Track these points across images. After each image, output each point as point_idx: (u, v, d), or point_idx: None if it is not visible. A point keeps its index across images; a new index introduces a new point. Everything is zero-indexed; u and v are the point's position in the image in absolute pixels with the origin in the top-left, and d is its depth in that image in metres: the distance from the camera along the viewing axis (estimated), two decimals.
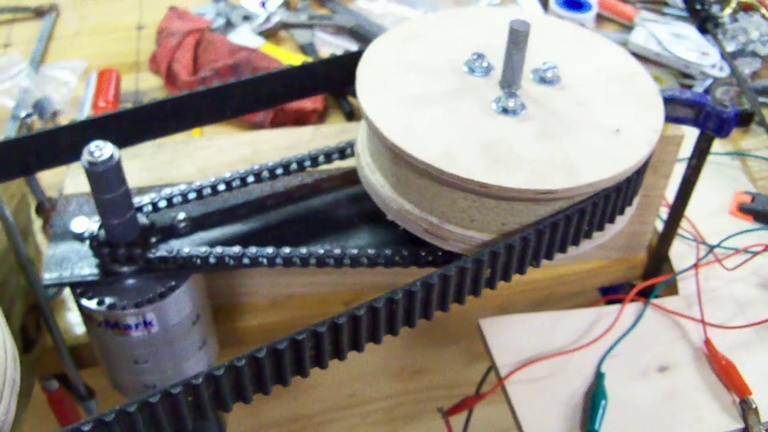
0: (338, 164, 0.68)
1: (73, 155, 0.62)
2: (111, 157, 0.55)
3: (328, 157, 0.65)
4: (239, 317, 0.76)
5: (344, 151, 0.66)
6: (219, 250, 0.60)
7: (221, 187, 0.63)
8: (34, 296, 0.69)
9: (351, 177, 0.67)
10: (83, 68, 1.02)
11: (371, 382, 1.21)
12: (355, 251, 0.60)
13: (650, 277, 0.82)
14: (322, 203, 0.66)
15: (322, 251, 0.60)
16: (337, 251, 0.60)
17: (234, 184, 0.63)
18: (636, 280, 0.86)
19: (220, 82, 0.65)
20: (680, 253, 0.82)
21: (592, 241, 0.60)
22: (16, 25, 1.13)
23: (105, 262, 0.61)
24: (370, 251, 0.60)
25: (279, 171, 0.64)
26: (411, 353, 1.21)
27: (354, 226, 0.64)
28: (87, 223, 0.63)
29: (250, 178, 0.64)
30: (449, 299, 0.55)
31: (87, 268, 0.62)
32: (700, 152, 0.72)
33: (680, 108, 0.69)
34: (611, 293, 0.87)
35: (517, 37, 0.55)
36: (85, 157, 0.55)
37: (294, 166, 0.64)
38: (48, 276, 0.61)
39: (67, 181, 0.69)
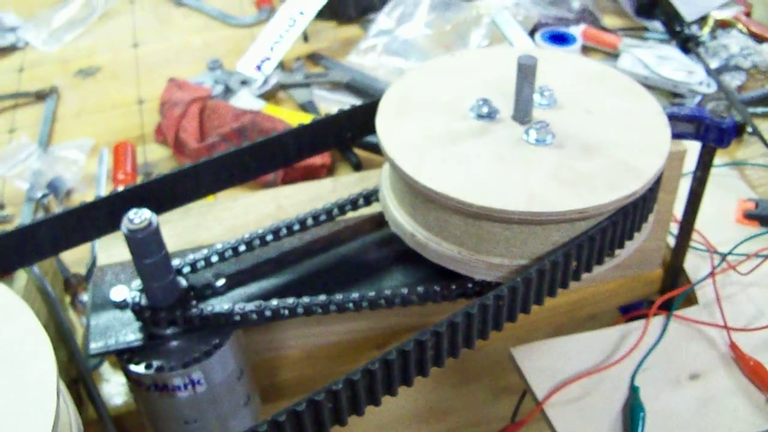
0: (361, 212, 0.71)
1: (106, 228, 0.64)
2: (150, 223, 0.57)
3: (354, 204, 0.68)
4: (276, 372, 0.77)
5: (369, 197, 0.68)
6: (258, 304, 0.62)
7: (256, 242, 0.66)
8: (74, 369, 0.70)
9: (376, 222, 0.69)
10: (90, 146, 1.05)
11: (399, 428, 1.21)
12: (388, 292, 0.62)
13: (667, 290, 0.85)
14: (351, 250, 0.68)
15: (357, 295, 0.62)
16: (372, 294, 0.62)
17: (267, 238, 0.65)
18: (654, 296, 0.88)
19: (237, 146, 0.67)
20: (694, 265, 0.84)
21: (614, 260, 0.63)
22: (18, 110, 1.16)
23: (148, 326, 0.63)
24: (403, 290, 0.62)
25: (309, 222, 0.67)
26: (435, 395, 1.22)
27: (385, 268, 0.66)
28: (126, 291, 0.65)
29: (284, 231, 0.66)
30: (489, 327, 0.57)
31: (131, 334, 0.63)
32: (704, 164, 0.74)
33: (680, 124, 0.71)
34: (631, 311, 0.89)
35: (526, 71, 0.59)
36: (125, 224, 0.57)
37: (323, 216, 0.67)
38: (94, 345, 0.63)
39: (100, 253, 0.71)
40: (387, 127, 0.61)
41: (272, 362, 0.77)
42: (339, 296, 0.63)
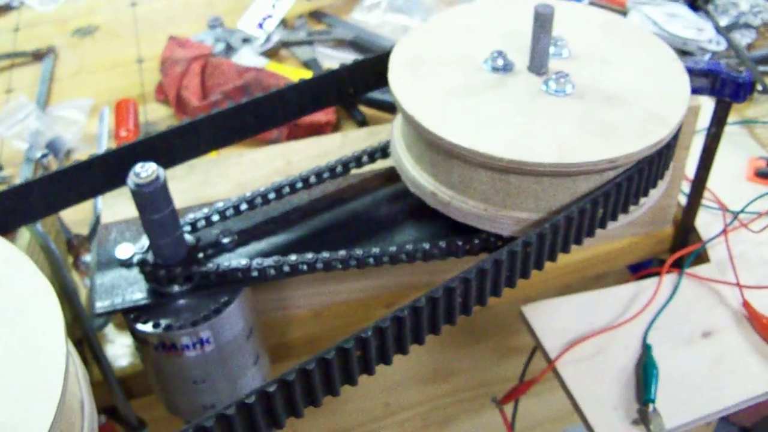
0: (371, 166, 0.69)
1: (108, 184, 0.63)
2: (157, 177, 0.55)
3: (372, 156, 0.66)
4: (284, 331, 0.76)
5: (378, 152, 0.67)
6: (277, 259, 0.61)
7: (265, 198, 0.64)
8: (78, 330, 0.69)
9: (387, 176, 0.68)
10: (90, 105, 1.03)
11: (405, 389, 1.21)
12: (410, 247, 0.61)
13: (678, 249, 0.84)
14: (361, 206, 0.67)
15: (377, 251, 0.61)
16: (392, 249, 0.61)
17: (284, 191, 0.64)
18: (664, 255, 0.87)
19: (245, 100, 0.66)
20: (705, 223, 0.83)
21: (639, 209, 0.61)
22: (15, 70, 1.14)
23: (156, 283, 0.62)
24: (425, 245, 0.61)
25: (320, 178, 0.65)
26: (441, 356, 1.22)
27: (397, 224, 0.65)
28: (132, 249, 0.64)
29: (294, 187, 0.65)
30: (501, 284, 0.56)
31: (138, 292, 0.62)
32: (719, 120, 0.73)
33: (696, 78, 0.70)
34: (641, 270, 0.88)
35: (543, 20, 0.57)
36: (132, 179, 0.55)
37: (335, 171, 0.65)
38: (100, 304, 0.61)
39: (104, 210, 0.70)
40: (402, 85, 0.60)
41: (280, 321, 0.76)
42: (359, 251, 0.61)
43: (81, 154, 0.95)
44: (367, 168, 0.69)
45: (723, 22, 1.08)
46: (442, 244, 0.61)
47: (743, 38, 1.05)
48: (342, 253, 0.61)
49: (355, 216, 0.66)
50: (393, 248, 0.61)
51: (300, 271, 0.61)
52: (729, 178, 0.88)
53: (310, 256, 0.60)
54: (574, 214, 0.54)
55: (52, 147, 0.94)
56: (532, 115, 0.56)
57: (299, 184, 0.65)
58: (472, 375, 1.21)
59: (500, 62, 0.60)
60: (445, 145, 0.55)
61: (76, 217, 0.80)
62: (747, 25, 1.06)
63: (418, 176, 0.61)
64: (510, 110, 0.57)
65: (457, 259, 0.64)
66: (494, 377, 1.18)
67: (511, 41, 0.63)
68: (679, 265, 0.79)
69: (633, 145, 0.54)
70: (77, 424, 0.45)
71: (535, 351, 0.81)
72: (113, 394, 0.71)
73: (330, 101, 0.72)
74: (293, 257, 0.60)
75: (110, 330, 0.76)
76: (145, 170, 0.55)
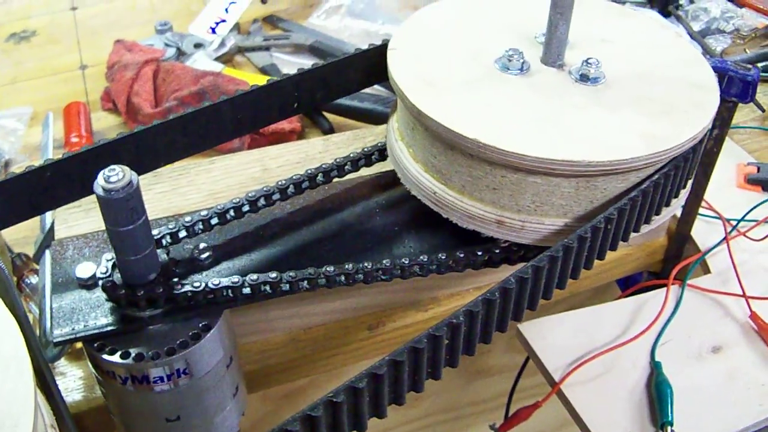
0: (360, 173, 0.63)
1: (71, 194, 0.55)
2: (130, 182, 0.48)
3: (369, 159, 0.60)
4: (257, 357, 0.69)
5: (371, 156, 0.60)
6: (254, 277, 0.54)
7: (244, 209, 0.57)
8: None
9: (379, 183, 0.61)
10: (29, 114, 0.94)
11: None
12: (406, 261, 0.54)
13: (671, 260, 0.79)
14: (353, 215, 0.60)
15: (370, 265, 0.54)
16: (387, 262, 0.54)
17: (260, 203, 0.57)
18: (655, 266, 0.83)
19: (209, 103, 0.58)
20: (701, 232, 0.79)
21: (678, 200, 0.59)
22: None
23: (123, 307, 0.54)
24: (423, 258, 0.55)
25: (304, 185, 0.59)
26: None
27: (394, 235, 0.58)
28: (93, 268, 0.56)
29: (275, 196, 0.57)
30: (537, 297, 0.50)
31: (102, 317, 0.54)
32: (722, 121, 0.69)
33: None
34: (629, 283, 0.84)
35: (563, 6, 0.52)
36: (101, 183, 0.47)
37: (335, 173, 0.59)
38: (59, 332, 0.53)
39: (58, 225, 0.61)
40: (408, 80, 0.54)
41: (252, 347, 0.69)
42: (366, 265, 0.55)
43: (21, 166, 0.86)
44: (354, 174, 0.63)
45: (695, 27, 1.05)
46: (461, 254, 0.55)
47: (717, 44, 1.03)
48: (348, 267, 0.54)
49: (346, 227, 0.59)
50: (405, 261, 0.54)
51: (299, 289, 0.54)
52: (719, 185, 0.84)
53: (311, 271, 0.53)
54: (615, 215, 0.49)
55: None
56: (561, 109, 0.51)
57: (291, 190, 0.58)
58: (441, 398, 1.15)
59: (516, 61, 0.55)
60: (470, 147, 0.49)
61: (16, 234, 0.72)
62: (720, 31, 1.04)
63: (471, 206, 0.54)
64: (534, 105, 0.51)
65: (449, 275, 0.58)
66: (464, 400, 1.12)
67: (516, 30, 0.58)
68: (678, 277, 0.75)
69: (688, 130, 0.51)
70: None
71: (522, 370, 0.76)
72: None
73: (301, 106, 0.64)
74: (291, 273, 0.53)
75: (60, 361, 0.68)
76: (115, 173, 0.48)
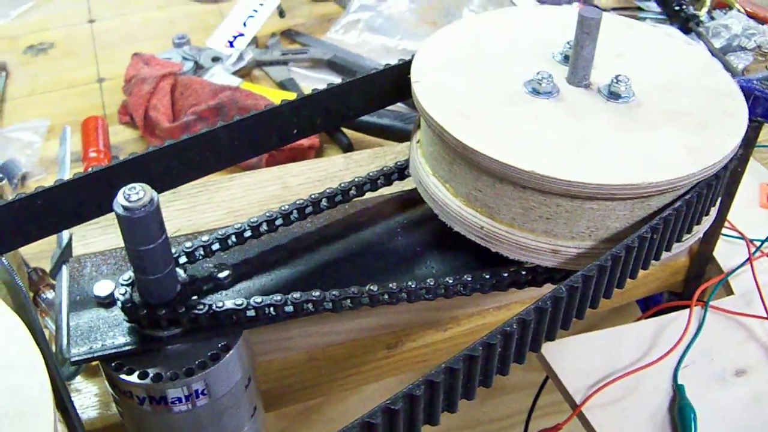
0: (381, 191, 0.62)
1: (89, 212, 0.55)
2: (151, 200, 0.47)
3: (389, 178, 0.59)
4: (274, 376, 0.68)
5: (392, 175, 0.60)
6: (277, 298, 0.53)
7: (264, 227, 0.56)
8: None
9: (401, 202, 0.61)
10: (46, 127, 0.94)
11: None
12: (432, 282, 0.54)
13: (693, 280, 0.78)
14: (374, 234, 0.59)
15: (395, 286, 0.53)
16: (411, 284, 0.53)
17: (278, 222, 0.56)
18: (676, 287, 0.82)
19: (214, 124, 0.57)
20: (723, 252, 0.78)
21: (708, 217, 0.57)
22: None
23: (141, 327, 0.53)
24: (448, 280, 0.54)
25: (324, 204, 0.58)
26: None
27: (416, 256, 0.58)
28: (111, 286, 0.55)
29: (295, 214, 0.57)
30: (557, 325, 0.49)
31: (121, 337, 0.53)
32: (748, 141, 0.68)
33: None
34: (649, 304, 0.83)
35: (589, 26, 0.51)
36: (120, 201, 0.47)
37: (353, 191, 0.58)
38: (76, 351, 0.53)
39: (76, 242, 0.61)
40: (444, 114, 0.52)
41: (269, 366, 0.68)
42: (374, 287, 0.54)
43: (37, 180, 0.86)
44: (375, 193, 0.62)
45: (716, 44, 1.04)
46: (487, 275, 0.54)
47: (739, 61, 1.02)
48: (373, 288, 0.53)
49: (367, 247, 0.59)
50: (431, 282, 0.53)
51: (322, 310, 0.53)
52: (742, 205, 0.83)
53: (336, 292, 0.52)
54: (642, 237, 0.48)
55: (6, 171, 0.85)
56: (601, 131, 0.51)
57: (309, 209, 0.57)
58: (459, 415, 1.13)
59: (547, 84, 0.54)
60: (521, 178, 0.49)
61: (31, 249, 0.72)
62: (742, 48, 1.03)
63: (523, 238, 0.53)
64: (590, 130, 0.51)
65: (469, 296, 0.58)
66: (483, 417, 1.11)
67: (527, 52, 0.58)
68: (700, 298, 0.74)
69: (730, 141, 0.51)
70: None
71: (541, 390, 0.75)
72: None
73: (330, 122, 0.64)
74: (316, 293, 0.52)
75: (76, 378, 0.67)
76: (136, 192, 0.47)
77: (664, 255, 0.53)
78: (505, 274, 0.54)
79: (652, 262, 0.53)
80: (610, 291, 0.52)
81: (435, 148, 0.54)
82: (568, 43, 0.58)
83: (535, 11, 0.69)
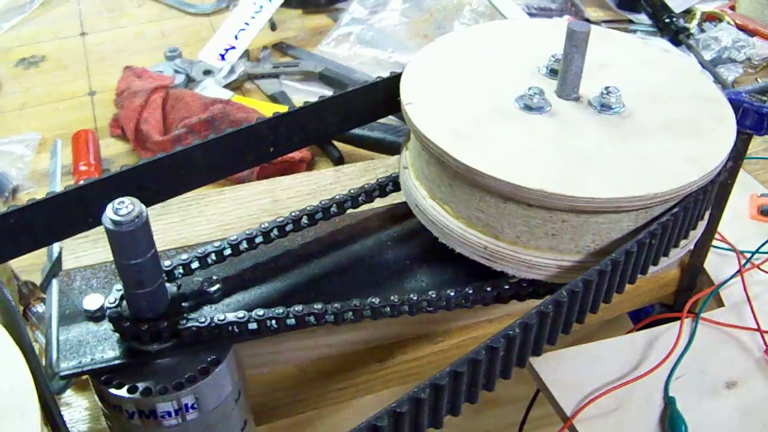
0: (372, 204, 0.62)
1: (79, 225, 0.54)
2: (140, 214, 0.47)
3: (383, 189, 0.59)
4: (266, 389, 0.68)
5: (385, 187, 0.60)
6: (260, 313, 0.53)
7: (255, 241, 0.56)
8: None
9: (392, 216, 0.61)
10: (37, 140, 0.94)
11: None
12: (415, 297, 0.54)
13: (684, 292, 0.79)
14: (364, 248, 0.59)
15: (378, 302, 0.53)
16: (395, 299, 0.53)
17: (287, 229, 0.56)
18: (666, 299, 0.82)
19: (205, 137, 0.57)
20: (714, 264, 0.78)
21: (667, 259, 0.56)
22: None
23: (132, 341, 0.53)
24: (432, 295, 0.54)
25: (317, 216, 0.58)
26: None
27: (407, 268, 0.58)
28: (101, 300, 0.55)
29: (287, 227, 0.57)
30: (543, 341, 0.49)
31: (110, 351, 0.53)
32: (737, 153, 0.68)
33: None
34: (641, 316, 0.83)
35: (578, 39, 0.51)
36: (109, 215, 0.47)
37: (349, 203, 0.58)
38: (66, 365, 0.52)
39: (66, 255, 0.61)
40: (441, 136, 0.52)
41: (259, 378, 0.68)
42: (374, 300, 0.54)
43: (28, 193, 0.86)
44: (367, 206, 0.62)
45: (707, 57, 1.05)
46: (469, 290, 0.54)
47: (729, 73, 1.02)
48: (356, 302, 0.53)
49: (358, 260, 0.59)
50: (414, 297, 0.53)
51: (306, 324, 0.53)
52: (731, 216, 0.84)
53: (319, 306, 0.52)
54: (634, 248, 0.48)
55: None
56: (598, 143, 0.52)
57: (304, 221, 0.57)
58: (451, 428, 1.13)
59: (539, 99, 0.54)
60: (522, 194, 0.49)
61: (23, 261, 0.71)
62: (731, 60, 1.04)
63: (527, 256, 0.53)
64: (587, 143, 0.52)
65: (465, 308, 0.58)
66: (474, 430, 1.11)
67: (513, 66, 0.58)
68: (691, 310, 0.74)
69: (723, 146, 0.52)
70: None
71: (532, 403, 0.75)
72: None
73: (323, 134, 0.64)
74: (299, 308, 0.52)
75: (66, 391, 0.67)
76: (125, 206, 0.47)
77: (662, 260, 0.54)
78: (489, 289, 0.54)
79: (651, 267, 0.53)
80: (609, 295, 0.53)
81: (432, 170, 0.54)
82: (553, 56, 0.58)
83: (521, 24, 0.70)
